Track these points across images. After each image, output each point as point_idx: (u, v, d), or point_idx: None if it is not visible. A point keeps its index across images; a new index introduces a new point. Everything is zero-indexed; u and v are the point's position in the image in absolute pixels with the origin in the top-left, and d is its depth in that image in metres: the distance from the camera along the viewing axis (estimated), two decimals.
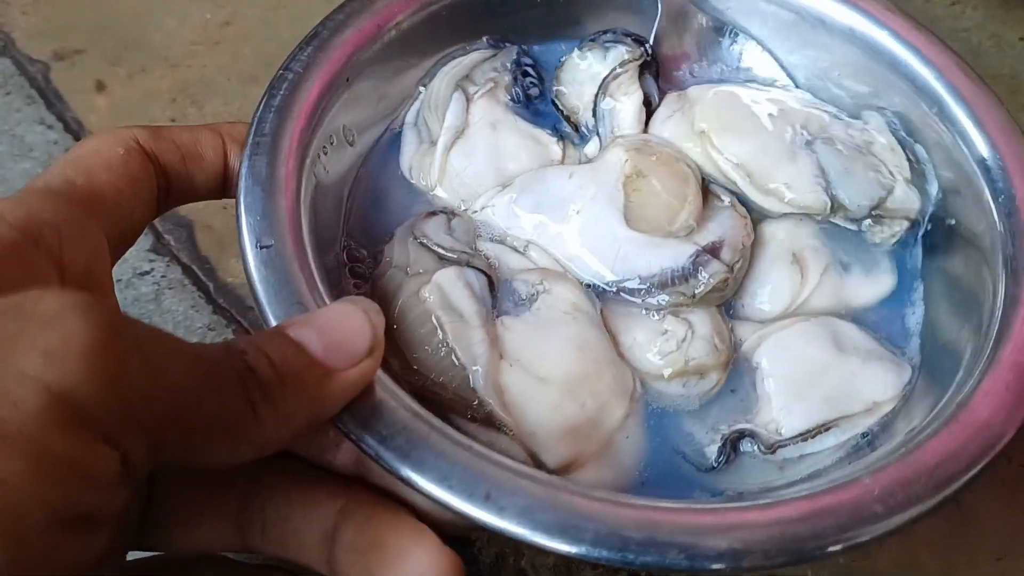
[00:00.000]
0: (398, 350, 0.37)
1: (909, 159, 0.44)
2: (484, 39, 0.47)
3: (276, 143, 0.38)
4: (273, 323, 0.32)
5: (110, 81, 0.59)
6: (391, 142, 0.46)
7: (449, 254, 0.39)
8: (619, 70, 0.46)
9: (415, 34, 0.45)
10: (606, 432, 0.36)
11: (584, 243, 0.40)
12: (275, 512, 0.31)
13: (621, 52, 0.46)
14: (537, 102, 0.47)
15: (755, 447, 0.38)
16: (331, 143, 0.42)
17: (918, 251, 0.44)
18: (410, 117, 0.46)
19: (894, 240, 0.43)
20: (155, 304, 0.48)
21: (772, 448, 0.38)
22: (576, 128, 0.47)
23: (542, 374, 0.36)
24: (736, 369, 0.40)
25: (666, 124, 0.45)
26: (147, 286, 0.49)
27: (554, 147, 0.44)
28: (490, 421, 0.35)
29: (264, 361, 0.27)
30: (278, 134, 0.38)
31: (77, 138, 0.55)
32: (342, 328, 0.30)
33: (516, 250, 0.41)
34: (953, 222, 0.42)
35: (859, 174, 0.42)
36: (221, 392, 0.26)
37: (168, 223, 0.51)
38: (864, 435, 0.38)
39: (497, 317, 0.38)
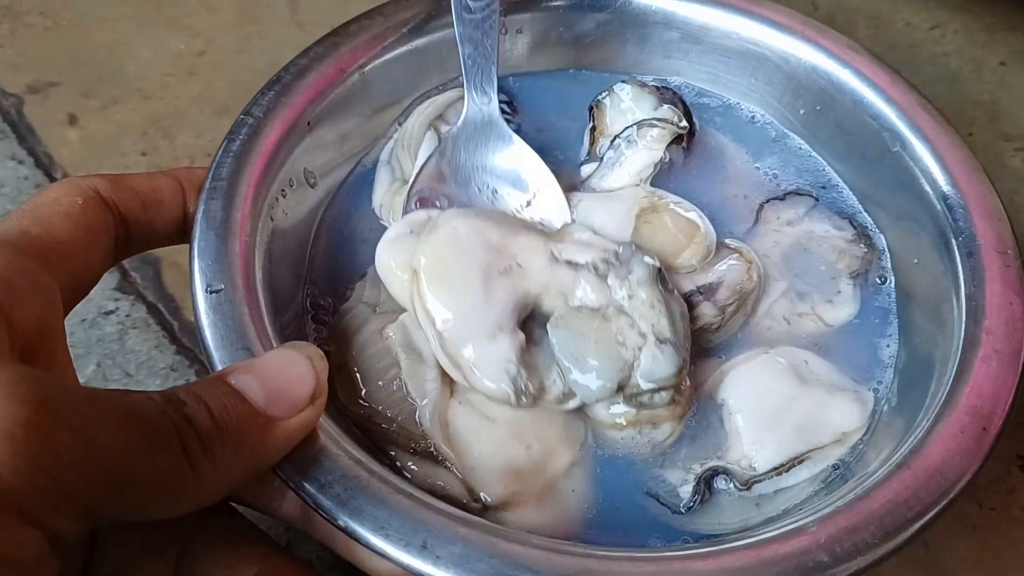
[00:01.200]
0: (351, 381, 0.37)
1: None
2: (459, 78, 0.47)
3: (232, 187, 0.38)
4: (219, 367, 0.32)
5: (83, 114, 0.59)
6: (360, 181, 0.46)
7: None
8: (659, 123, 0.45)
9: (380, 76, 0.45)
10: (550, 476, 0.37)
11: None
12: (202, 572, 0.31)
13: (667, 112, 0.46)
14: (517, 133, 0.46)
15: (730, 484, 0.38)
16: (290, 186, 0.41)
17: (891, 287, 0.44)
18: (384, 155, 0.46)
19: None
20: (119, 344, 0.48)
21: (748, 484, 0.38)
22: (592, 143, 0.47)
23: (490, 414, 0.37)
24: (700, 407, 0.40)
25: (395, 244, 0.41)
26: (111, 325, 0.49)
27: None
28: (432, 455, 0.36)
29: (204, 412, 0.27)
30: (235, 179, 0.38)
31: (48, 173, 0.55)
32: (285, 375, 0.30)
33: None
34: (916, 261, 0.42)
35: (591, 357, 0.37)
36: (157, 450, 0.26)
37: (135, 260, 0.51)
38: (836, 467, 0.38)
39: None
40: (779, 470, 0.38)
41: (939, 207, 0.41)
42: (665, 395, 0.37)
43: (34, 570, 0.24)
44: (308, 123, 0.42)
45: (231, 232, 0.37)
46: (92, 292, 0.48)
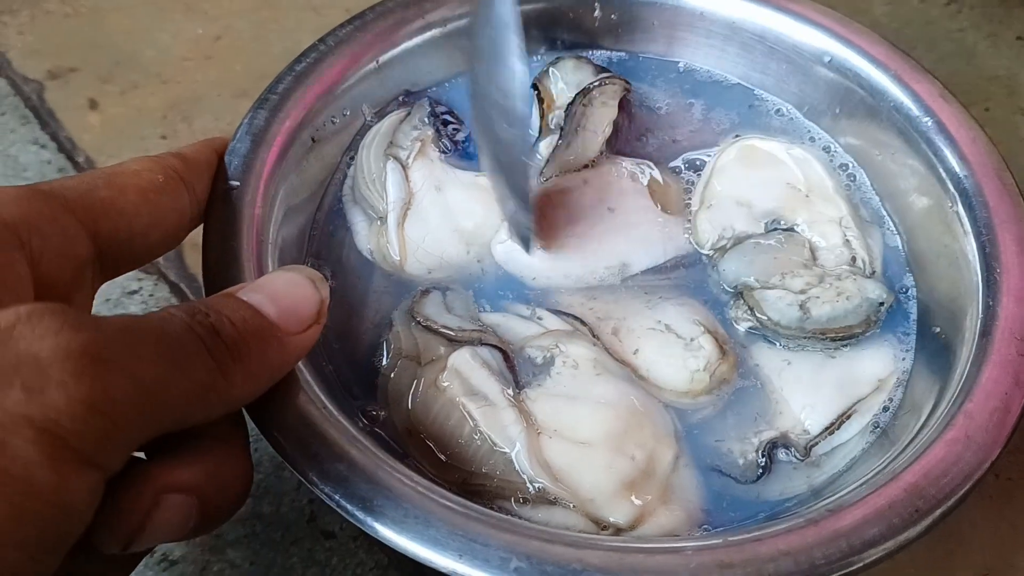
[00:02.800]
0: (427, 449, 0.36)
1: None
2: (399, 98, 0.48)
3: (283, 102, 0.42)
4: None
5: (103, 99, 0.59)
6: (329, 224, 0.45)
7: (458, 335, 0.39)
8: (607, 81, 0.47)
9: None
10: (662, 477, 0.36)
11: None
12: None
13: (607, 77, 0.47)
14: (465, 144, 0.47)
15: (791, 456, 0.38)
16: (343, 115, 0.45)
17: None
18: (347, 194, 0.45)
19: None
20: None
21: (807, 450, 0.38)
22: (542, 116, 0.48)
23: (583, 438, 0.36)
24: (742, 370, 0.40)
25: None
26: (136, 305, 0.49)
27: None
28: (543, 498, 0.35)
29: (227, 323, 0.29)
30: (287, 94, 0.43)
31: (70, 157, 0.56)
32: (292, 295, 0.31)
33: (521, 316, 0.41)
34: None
35: None
36: (192, 365, 0.27)
37: None
38: (884, 408, 0.39)
39: (520, 391, 0.38)
40: (831, 429, 0.39)
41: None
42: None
43: (81, 518, 0.24)
44: (376, 63, 0.45)
45: (267, 140, 0.39)
46: None
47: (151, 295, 0.50)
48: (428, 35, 0.47)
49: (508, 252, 0.42)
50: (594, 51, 0.51)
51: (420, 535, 0.29)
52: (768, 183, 0.44)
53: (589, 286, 0.42)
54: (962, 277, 0.39)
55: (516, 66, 0.37)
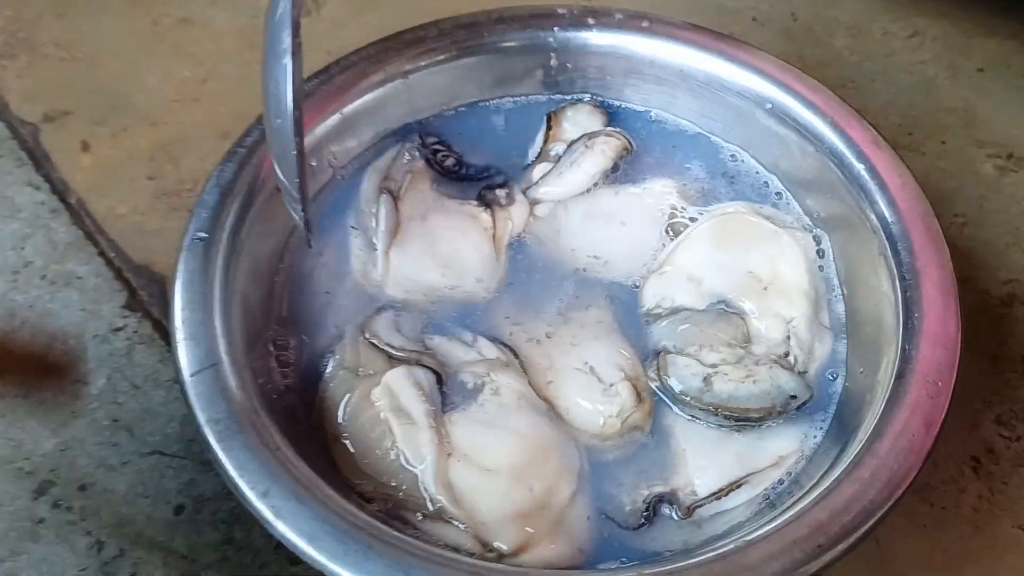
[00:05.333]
0: (347, 453, 0.40)
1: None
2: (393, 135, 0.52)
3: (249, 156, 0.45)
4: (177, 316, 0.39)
5: (94, 141, 0.62)
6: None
7: (399, 353, 0.42)
8: (611, 134, 0.51)
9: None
10: (556, 511, 0.39)
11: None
12: None
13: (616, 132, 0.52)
14: (457, 169, 0.50)
15: (672, 512, 0.41)
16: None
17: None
18: (351, 222, 0.49)
19: None
20: (127, 359, 0.52)
21: (690, 510, 0.40)
22: (545, 141, 0.52)
23: (489, 465, 0.39)
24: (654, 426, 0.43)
25: None
26: (120, 341, 0.52)
27: (483, 215, 0.48)
28: (439, 516, 0.38)
29: None
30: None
31: (63, 199, 0.59)
32: None
33: (463, 342, 0.44)
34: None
35: None
36: None
37: (142, 279, 0.55)
38: (775, 486, 0.41)
39: (445, 412, 0.41)
40: (718, 494, 0.41)
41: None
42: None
43: None
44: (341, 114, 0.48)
45: (235, 191, 0.43)
46: (104, 309, 0.53)
47: (135, 332, 0.53)
48: (392, 85, 0.50)
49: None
50: (553, 96, 0.54)
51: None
52: (728, 268, 0.46)
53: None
54: (885, 320, 0.41)
55: (286, 61, 0.39)
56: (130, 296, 0.55)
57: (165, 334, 0.53)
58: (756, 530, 0.34)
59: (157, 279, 0.55)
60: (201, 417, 0.37)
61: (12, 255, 0.57)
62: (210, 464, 0.47)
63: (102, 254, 0.57)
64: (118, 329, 0.53)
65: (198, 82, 0.66)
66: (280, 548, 0.45)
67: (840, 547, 0.33)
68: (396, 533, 0.34)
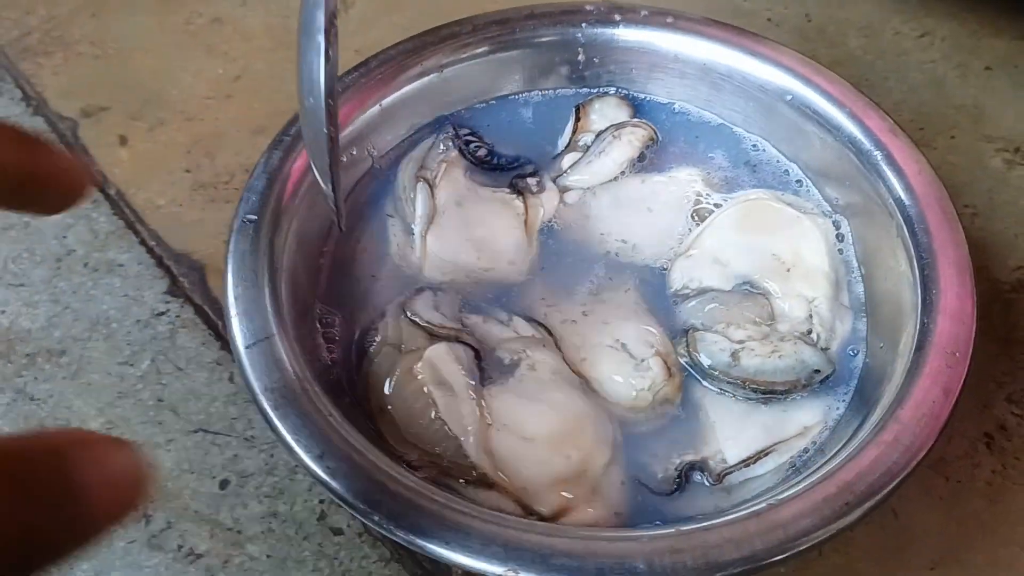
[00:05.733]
0: (393, 424, 0.42)
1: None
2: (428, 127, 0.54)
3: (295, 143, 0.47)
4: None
5: (132, 135, 0.65)
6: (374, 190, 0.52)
7: (439, 330, 0.44)
8: (638, 125, 0.53)
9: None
10: (592, 478, 0.41)
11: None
12: None
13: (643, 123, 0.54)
14: (489, 159, 0.52)
15: (703, 479, 0.42)
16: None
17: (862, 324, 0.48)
18: (388, 209, 0.51)
19: None
20: (170, 342, 0.54)
21: (720, 477, 0.42)
22: (573, 133, 0.54)
23: (528, 435, 0.41)
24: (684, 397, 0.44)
25: None
26: (163, 325, 0.54)
27: (516, 202, 0.50)
28: (484, 481, 0.40)
29: None
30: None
31: (102, 190, 0.61)
32: None
33: (499, 321, 0.46)
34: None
35: None
36: None
37: (183, 267, 0.57)
38: (801, 454, 0.43)
39: (484, 386, 0.43)
40: (747, 462, 0.42)
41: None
42: None
43: None
44: (380, 106, 0.50)
45: (282, 177, 0.44)
46: (146, 295, 0.55)
47: (177, 316, 0.55)
48: (427, 79, 0.52)
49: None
50: (580, 89, 0.56)
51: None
52: (754, 250, 0.48)
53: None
54: (903, 298, 0.43)
55: (320, 40, 0.39)
56: (171, 283, 0.57)
57: (206, 318, 0.55)
58: (787, 490, 0.36)
59: (197, 266, 0.57)
60: (256, 386, 0.38)
61: (55, 244, 0.59)
62: (253, 440, 0.50)
63: (143, 243, 0.59)
64: (160, 314, 0.55)
65: (231, 79, 0.68)
66: (322, 519, 0.47)
67: (867, 505, 0.35)
68: (446, 494, 0.36)
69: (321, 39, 0.39)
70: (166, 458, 0.49)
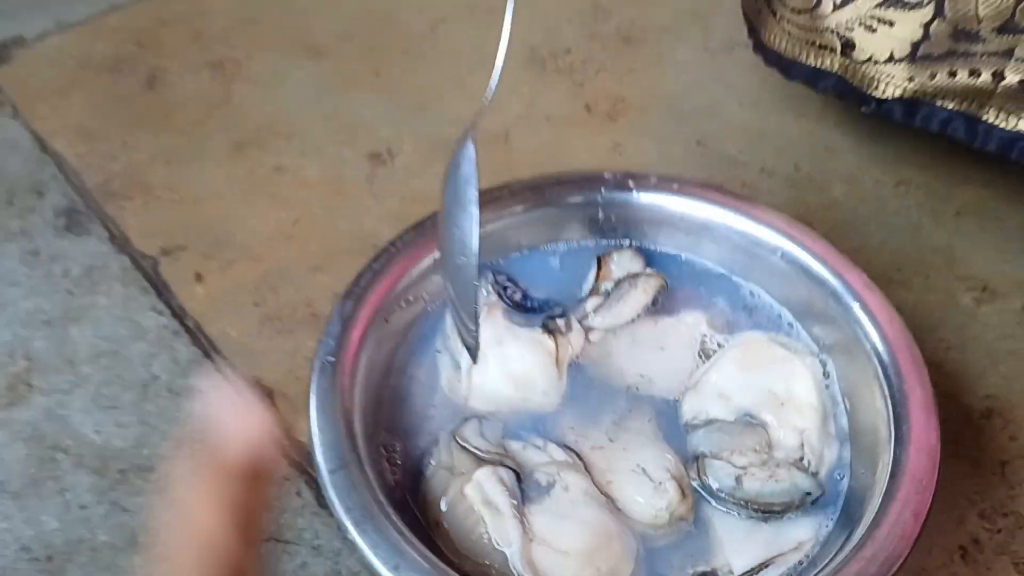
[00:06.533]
0: (448, 537, 0.50)
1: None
2: None
3: (365, 293, 0.56)
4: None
5: (206, 273, 0.74)
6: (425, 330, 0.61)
7: (485, 455, 0.52)
8: (651, 275, 0.62)
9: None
10: None
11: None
12: None
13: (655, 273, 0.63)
14: (524, 302, 0.61)
15: None
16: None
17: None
18: (439, 344, 0.60)
19: None
20: None
21: None
22: (596, 280, 0.62)
23: (563, 548, 0.49)
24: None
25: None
26: None
27: (547, 341, 0.59)
28: None
29: None
30: (368, 286, 0.57)
31: (182, 322, 0.70)
32: None
33: (536, 447, 0.54)
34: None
35: None
36: None
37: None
38: (796, 566, 0.50)
39: (525, 504, 0.51)
40: (751, 573, 0.50)
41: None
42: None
43: None
44: (433, 259, 0.59)
45: (354, 322, 0.53)
46: None
47: None
48: None
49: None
50: (600, 242, 0.65)
51: None
52: (752, 386, 0.56)
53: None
54: (879, 431, 0.51)
55: (473, 210, 0.49)
56: None
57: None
58: None
59: (266, 391, 0.65)
60: (339, 507, 0.46)
61: (142, 371, 0.67)
62: (319, 549, 0.57)
63: (219, 370, 0.67)
64: None
65: (291, 222, 0.78)
66: None
67: None
68: None
69: (475, 211, 0.49)
70: None
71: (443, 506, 0.50)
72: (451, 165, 0.51)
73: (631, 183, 0.63)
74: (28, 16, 1.01)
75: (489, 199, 0.62)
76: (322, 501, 0.59)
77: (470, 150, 0.50)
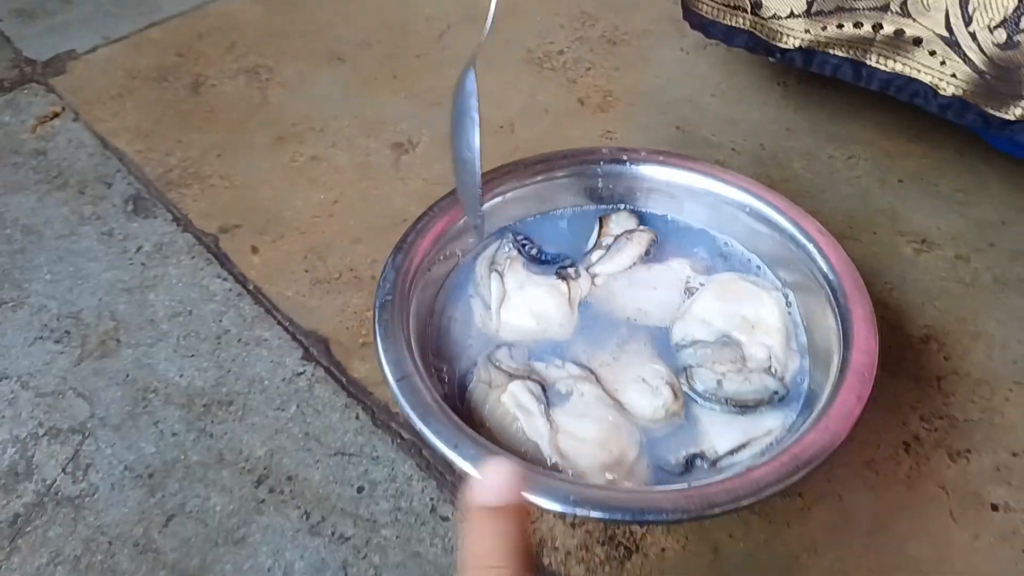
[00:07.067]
0: (492, 436, 0.61)
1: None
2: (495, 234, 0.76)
3: (412, 247, 0.68)
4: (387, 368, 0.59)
5: (261, 246, 0.86)
6: (460, 278, 0.73)
7: (516, 372, 0.65)
8: (644, 231, 0.74)
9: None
10: (627, 465, 0.61)
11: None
12: None
13: (647, 229, 0.75)
14: (539, 256, 0.74)
15: (703, 464, 0.62)
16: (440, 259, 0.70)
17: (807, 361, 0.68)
18: (470, 292, 0.72)
19: None
20: (309, 393, 0.73)
21: (714, 463, 0.62)
22: (599, 236, 0.75)
23: (582, 437, 0.61)
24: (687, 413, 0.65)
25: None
26: (303, 382, 0.74)
27: (561, 285, 0.71)
28: (556, 468, 0.59)
29: None
30: (414, 242, 0.69)
31: (244, 286, 0.82)
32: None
33: (556, 366, 0.66)
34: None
35: None
36: None
37: (311, 340, 0.77)
38: (768, 447, 0.62)
39: (550, 408, 0.63)
40: (732, 452, 0.62)
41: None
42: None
43: None
44: (463, 222, 0.71)
45: (404, 270, 0.65)
46: (287, 361, 0.75)
47: (312, 374, 0.75)
48: (496, 200, 0.74)
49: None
50: (600, 206, 0.78)
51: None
52: (729, 314, 0.68)
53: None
54: (831, 342, 0.64)
55: (474, 115, 0.62)
56: (304, 352, 0.77)
57: (334, 376, 0.75)
58: (758, 462, 0.56)
59: (323, 340, 0.77)
60: (407, 406, 0.58)
61: (214, 326, 0.79)
62: (378, 459, 0.69)
63: (279, 323, 0.79)
64: (299, 373, 0.75)
65: (331, 203, 0.90)
66: (433, 511, 0.66)
67: (807, 468, 0.54)
68: (542, 468, 0.56)
69: (476, 116, 0.63)
70: (316, 473, 0.68)
71: (485, 411, 0.63)
72: (457, 87, 0.64)
73: (625, 157, 0.76)
74: (78, 33, 1.14)
75: (506, 172, 0.75)
76: (377, 422, 0.71)
77: (471, 74, 0.63)
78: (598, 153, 0.77)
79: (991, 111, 0.76)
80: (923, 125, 0.97)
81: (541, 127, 0.99)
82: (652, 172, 0.76)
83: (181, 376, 0.75)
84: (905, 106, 0.82)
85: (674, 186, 0.76)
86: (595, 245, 0.75)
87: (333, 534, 0.65)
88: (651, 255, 0.74)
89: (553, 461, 0.59)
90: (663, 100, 1.03)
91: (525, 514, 0.39)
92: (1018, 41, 0.70)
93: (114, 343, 0.78)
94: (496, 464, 0.39)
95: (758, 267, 0.74)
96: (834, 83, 0.86)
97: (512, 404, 0.62)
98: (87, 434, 0.71)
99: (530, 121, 0.99)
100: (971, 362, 0.75)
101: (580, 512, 0.52)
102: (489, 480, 0.39)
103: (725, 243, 0.76)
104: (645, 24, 1.15)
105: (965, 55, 0.74)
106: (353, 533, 0.65)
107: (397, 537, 0.64)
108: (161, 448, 0.70)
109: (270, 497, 0.67)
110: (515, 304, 0.70)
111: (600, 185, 0.77)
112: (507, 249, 0.73)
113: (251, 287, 0.82)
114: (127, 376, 0.75)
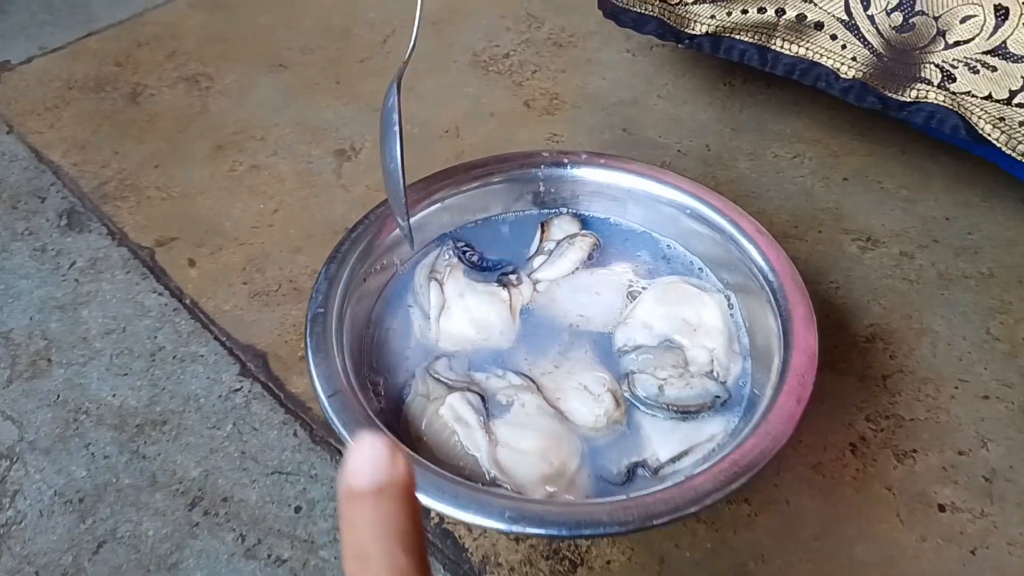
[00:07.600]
0: (428, 450, 0.60)
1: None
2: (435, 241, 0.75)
3: (347, 256, 0.67)
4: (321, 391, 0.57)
5: (198, 258, 0.84)
6: (398, 288, 0.71)
7: (455, 383, 0.63)
8: (585, 235, 0.74)
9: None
10: (568, 476, 0.59)
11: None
12: None
13: (588, 232, 0.75)
14: (480, 263, 0.72)
15: (645, 472, 0.61)
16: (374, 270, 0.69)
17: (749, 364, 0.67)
18: (409, 301, 0.71)
19: None
20: (246, 410, 0.71)
21: (656, 471, 0.61)
22: (540, 241, 0.73)
23: (522, 449, 0.60)
24: (628, 421, 0.63)
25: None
26: (240, 398, 0.72)
27: (502, 292, 0.70)
28: (495, 483, 0.58)
29: None
30: (349, 251, 0.67)
31: (180, 300, 0.80)
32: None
33: (496, 375, 0.65)
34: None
35: None
36: None
37: (249, 355, 0.75)
38: (709, 454, 0.61)
39: (490, 420, 0.61)
40: (673, 459, 0.61)
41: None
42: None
43: None
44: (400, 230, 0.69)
45: (337, 281, 0.63)
46: (223, 377, 0.73)
47: (249, 391, 0.73)
48: (435, 207, 0.73)
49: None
50: (542, 210, 0.77)
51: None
52: (670, 317, 0.68)
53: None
54: (772, 343, 0.63)
55: (396, 130, 0.62)
56: (241, 367, 0.75)
57: (271, 392, 0.73)
58: (698, 469, 0.55)
59: (260, 354, 0.75)
60: (337, 423, 0.56)
61: (148, 343, 0.77)
62: (316, 477, 0.67)
63: (216, 339, 0.77)
64: (236, 390, 0.73)
65: (270, 212, 0.88)
66: None
67: (749, 473, 0.54)
68: (479, 485, 0.55)
69: (397, 130, 0.62)
70: (252, 494, 0.66)
71: (423, 425, 0.61)
72: (383, 103, 0.64)
73: (565, 160, 0.75)
74: (12, 43, 1.11)
75: (446, 177, 0.74)
76: (316, 438, 0.69)
77: (394, 90, 0.63)
78: (539, 157, 0.76)
79: (889, 93, 0.77)
80: (868, 123, 0.97)
81: (487, 131, 0.97)
82: (594, 175, 0.75)
83: (114, 396, 0.73)
84: (849, 104, 0.82)
85: (616, 189, 0.75)
86: (537, 250, 0.74)
87: (269, 556, 0.63)
88: (594, 259, 0.73)
89: (492, 475, 0.58)
90: (609, 102, 1.02)
91: (408, 491, 0.34)
92: (913, 23, 0.71)
93: (45, 363, 0.75)
94: (363, 442, 0.35)
95: (700, 269, 0.73)
96: (780, 82, 0.86)
97: (450, 417, 0.61)
98: (15, 459, 0.69)
99: (476, 125, 0.98)
100: (916, 360, 0.75)
101: (516, 529, 0.51)
102: (358, 461, 0.34)
103: (668, 246, 0.75)
104: (591, 26, 1.14)
105: (864, 38, 0.75)
106: (290, 555, 0.63)
107: (336, 558, 0.63)
108: (92, 472, 0.68)
109: (204, 520, 0.65)
110: (455, 313, 0.68)
111: (542, 189, 0.76)
112: (447, 256, 0.72)
113: (187, 301, 0.80)
114: (58, 397, 0.73)
